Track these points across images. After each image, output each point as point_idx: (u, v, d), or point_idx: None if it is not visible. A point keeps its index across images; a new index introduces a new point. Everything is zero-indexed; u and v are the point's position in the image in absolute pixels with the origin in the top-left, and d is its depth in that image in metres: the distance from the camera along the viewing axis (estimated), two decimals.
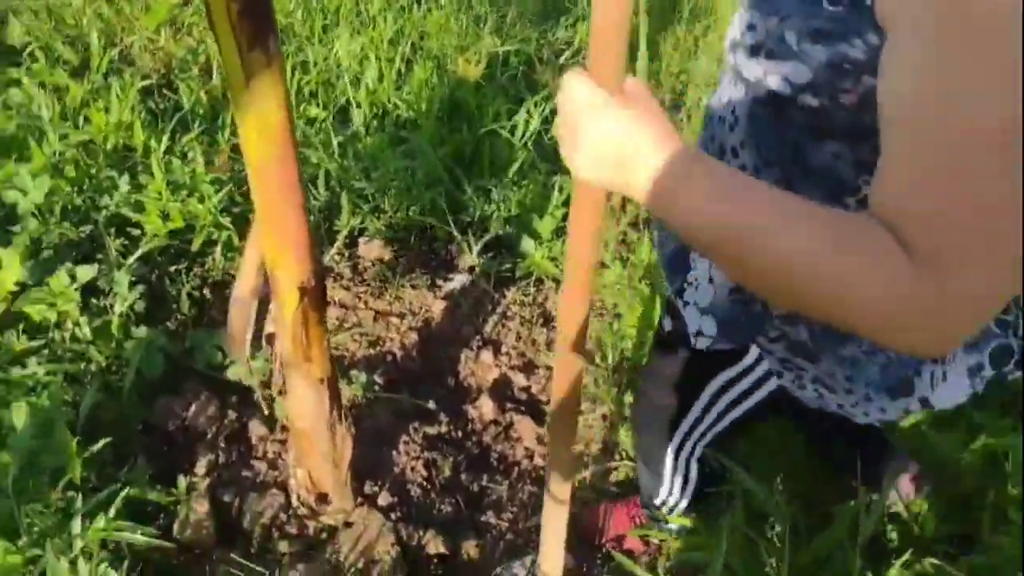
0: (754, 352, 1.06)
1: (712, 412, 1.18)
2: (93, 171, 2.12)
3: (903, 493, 1.49)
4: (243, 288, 1.32)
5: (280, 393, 1.41)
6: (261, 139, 1.05)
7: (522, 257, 2.34)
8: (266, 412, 1.79)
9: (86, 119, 2.31)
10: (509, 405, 1.96)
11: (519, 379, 2.04)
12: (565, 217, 2.41)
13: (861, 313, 0.62)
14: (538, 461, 1.85)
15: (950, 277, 0.58)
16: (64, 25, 2.81)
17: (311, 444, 1.46)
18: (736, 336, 1.02)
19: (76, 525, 1.39)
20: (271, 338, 1.36)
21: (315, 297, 1.24)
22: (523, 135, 2.69)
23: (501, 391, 2.01)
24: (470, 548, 1.64)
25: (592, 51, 0.69)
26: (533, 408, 1.97)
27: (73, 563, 1.36)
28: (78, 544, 1.37)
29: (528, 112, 2.84)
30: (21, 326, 1.72)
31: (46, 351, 1.74)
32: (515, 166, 2.56)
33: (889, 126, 0.62)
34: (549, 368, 2.07)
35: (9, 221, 1.94)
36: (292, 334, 1.27)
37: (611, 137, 0.69)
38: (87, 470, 1.51)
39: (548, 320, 2.22)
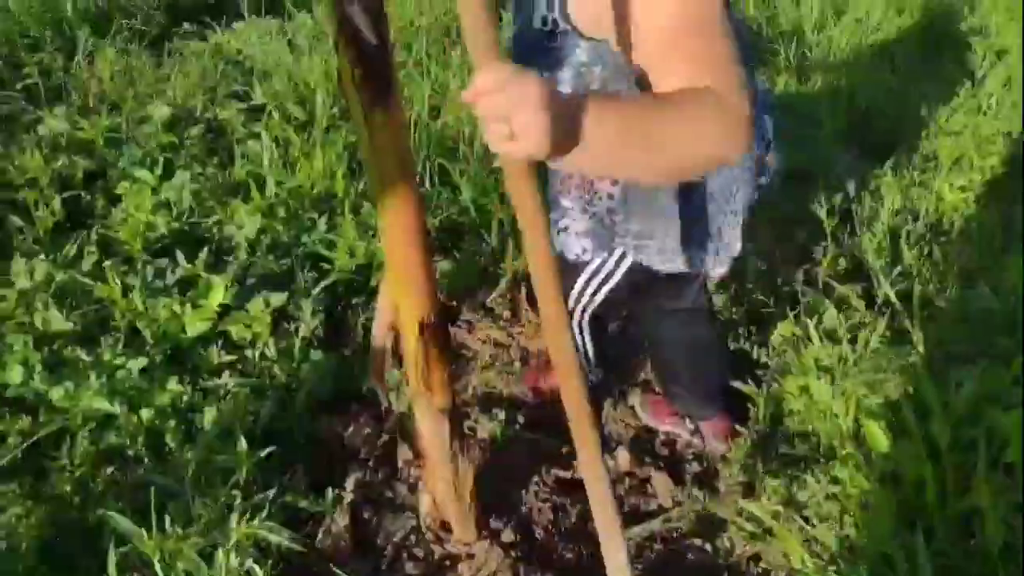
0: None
1: (587, 293, 1.61)
2: (299, 212, 2.43)
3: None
4: (380, 322, 1.44)
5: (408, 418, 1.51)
6: (383, 186, 1.16)
7: None
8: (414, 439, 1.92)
9: (300, 167, 2.66)
10: (647, 459, 1.91)
11: (660, 434, 1.98)
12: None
13: (725, 144, 0.95)
14: (673, 522, 1.78)
15: (744, 96, 0.95)
16: (299, 87, 3.26)
17: (434, 472, 1.55)
18: (605, 246, 1.48)
19: (233, 520, 1.58)
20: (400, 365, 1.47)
21: (434, 333, 1.33)
22: None
23: (642, 444, 1.97)
24: None
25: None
26: (673, 465, 1.91)
27: (227, 555, 1.55)
28: (232, 538, 1.57)
29: None
30: (221, 342, 2.01)
31: (239, 366, 2.01)
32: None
33: (670, 47, 0.99)
34: (694, 427, 2.00)
35: (225, 252, 2.29)
36: (414, 365, 1.36)
37: (547, 113, 0.81)
38: (252, 473, 1.72)
39: None
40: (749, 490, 1.75)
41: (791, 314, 2.15)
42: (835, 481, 1.63)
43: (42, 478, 1.79)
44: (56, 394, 1.80)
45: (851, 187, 2.71)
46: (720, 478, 1.82)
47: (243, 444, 1.70)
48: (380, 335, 1.48)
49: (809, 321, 1.99)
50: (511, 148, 0.84)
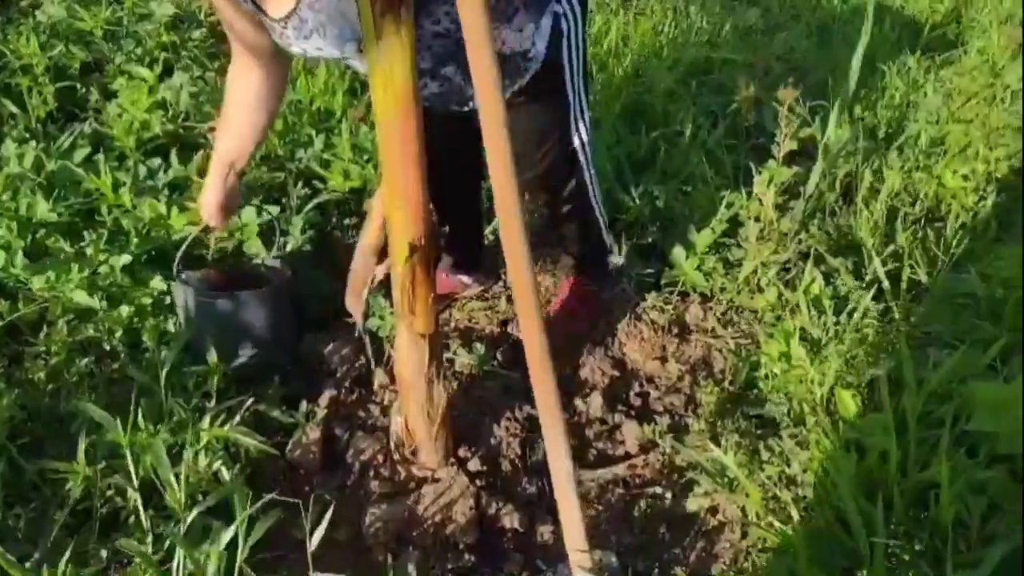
0: None
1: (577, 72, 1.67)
2: (296, 127, 2.39)
3: None
4: (366, 241, 1.43)
5: (390, 342, 1.51)
6: (386, 95, 1.14)
7: (671, 265, 2.29)
8: (390, 363, 1.92)
9: (301, 82, 2.60)
10: (620, 407, 1.93)
11: (636, 384, 2.00)
12: (725, 232, 2.32)
13: None
14: (638, 469, 1.81)
15: None
16: None
17: (409, 394, 1.56)
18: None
19: (205, 422, 1.59)
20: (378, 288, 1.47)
21: (424, 256, 1.32)
22: (702, 144, 2.63)
23: (616, 392, 1.99)
24: (546, 531, 1.65)
25: None
26: (644, 415, 1.92)
27: (196, 454, 1.56)
28: (203, 438, 1.58)
29: (714, 123, 2.77)
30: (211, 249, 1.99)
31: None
32: (685, 174, 2.50)
33: None
34: (671, 379, 2.01)
35: None
36: (400, 286, 1.36)
37: None
38: (225, 381, 1.72)
39: (683, 331, 2.15)
40: (716, 443, 1.77)
41: (780, 281, 2.16)
42: (802, 445, 1.65)
43: (17, 363, 1.80)
44: (37, 282, 1.79)
45: (855, 164, 2.68)
46: (689, 430, 1.84)
47: (213, 355, 1.70)
48: (363, 254, 1.47)
49: (798, 289, 1.99)
50: None
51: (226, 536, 1.27)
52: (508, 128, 1.00)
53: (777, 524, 1.46)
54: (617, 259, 2.17)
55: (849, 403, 1.64)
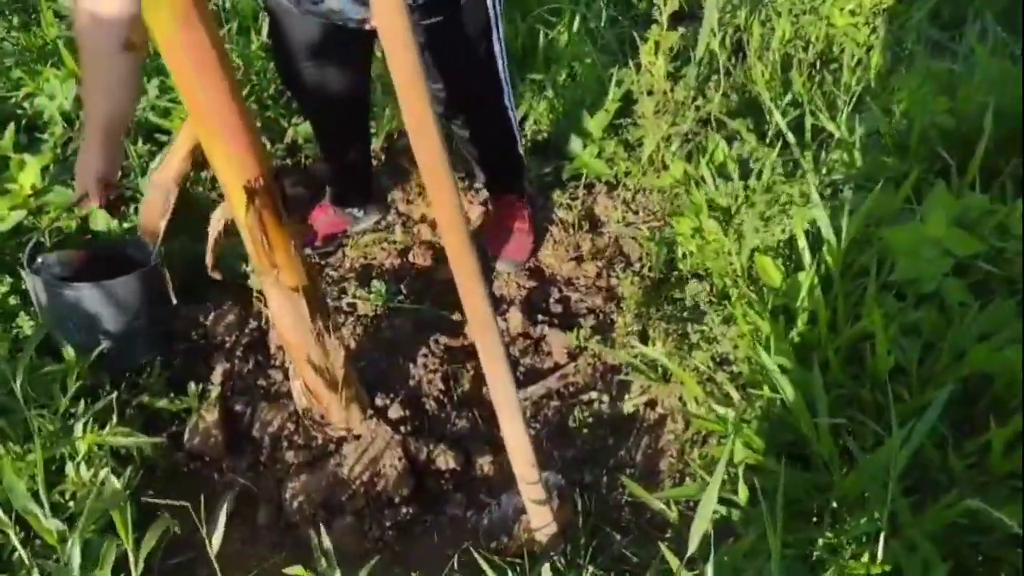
0: None
1: None
2: None
3: None
4: (164, 173, 1.22)
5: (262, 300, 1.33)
6: (163, 10, 0.91)
7: (570, 158, 2.14)
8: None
9: None
10: (541, 318, 1.81)
11: (554, 290, 1.88)
12: (619, 113, 2.17)
13: None
14: (569, 378, 1.71)
15: None
16: None
17: (300, 356, 1.39)
18: None
19: (78, 429, 1.40)
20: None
21: (268, 199, 1.12)
22: (583, 22, 2.44)
23: (535, 302, 1.87)
24: (485, 464, 1.54)
25: None
26: (567, 321, 1.81)
27: (76, 468, 1.37)
28: (82, 448, 1.39)
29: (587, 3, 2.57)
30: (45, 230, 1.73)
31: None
32: (569, 58, 2.32)
33: None
34: (590, 278, 1.90)
35: (40, 129, 1.95)
36: (252, 239, 1.17)
37: None
38: (91, 377, 1.52)
39: (594, 225, 2.03)
40: (644, 338, 1.69)
41: (683, 154, 2.04)
42: (728, 321, 1.57)
43: None
44: None
45: (743, 16, 2.55)
46: (615, 328, 1.74)
47: (70, 352, 1.49)
48: (162, 185, 1.26)
49: (701, 159, 1.88)
50: None
51: (111, 557, 1.11)
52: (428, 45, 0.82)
53: (718, 409, 1.38)
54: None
55: (770, 268, 1.55)
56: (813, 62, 2.45)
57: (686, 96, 2.20)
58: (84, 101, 1.34)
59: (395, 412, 1.60)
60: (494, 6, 1.53)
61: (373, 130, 2.17)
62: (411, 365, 1.70)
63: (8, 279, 1.65)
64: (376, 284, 1.82)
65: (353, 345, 1.73)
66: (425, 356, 1.72)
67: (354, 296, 1.84)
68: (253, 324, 1.77)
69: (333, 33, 1.50)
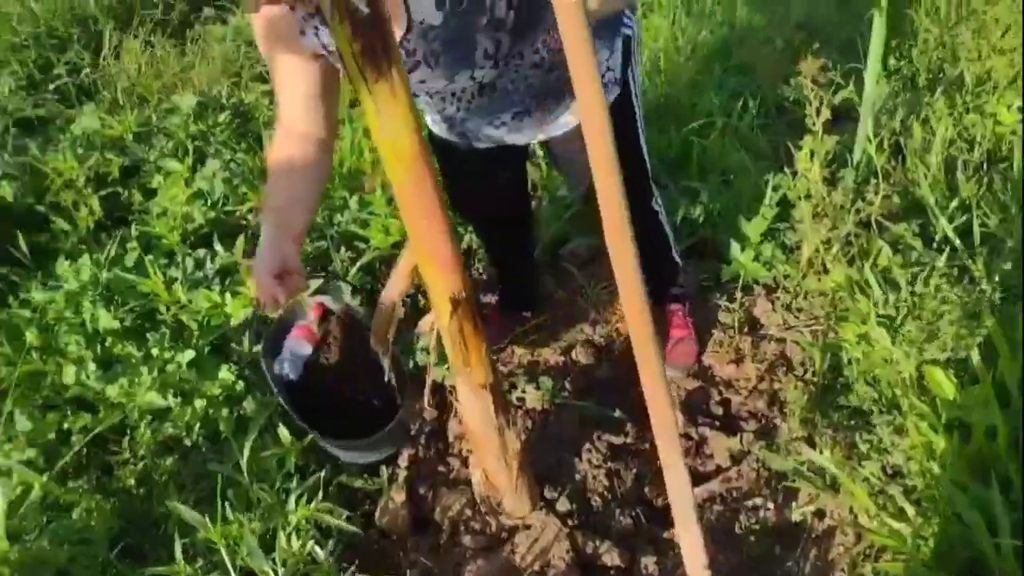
0: None
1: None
2: (331, 192, 2.41)
3: None
4: (389, 293, 1.41)
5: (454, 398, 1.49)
6: (399, 164, 1.12)
7: (727, 262, 2.21)
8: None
9: None
10: (702, 419, 1.87)
11: (715, 392, 1.94)
12: (777, 218, 2.24)
13: None
14: (732, 482, 1.74)
15: None
16: None
17: (482, 447, 1.53)
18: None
19: (291, 503, 1.60)
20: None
21: (467, 309, 1.30)
22: (735, 131, 2.55)
23: (696, 404, 1.93)
24: (649, 564, 1.60)
25: None
26: (729, 424, 1.86)
27: (288, 538, 1.57)
28: (292, 521, 1.59)
29: (743, 106, 2.69)
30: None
31: None
32: (723, 165, 2.43)
33: None
34: (751, 381, 1.94)
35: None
36: (452, 342, 1.34)
37: None
38: (306, 458, 1.73)
39: (754, 327, 2.08)
40: (810, 444, 1.70)
41: (844, 258, 2.07)
42: (900, 431, 1.56)
43: (107, 472, 1.84)
44: (112, 391, 1.84)
45: (899, 118, 2.57)
46: (779, 433, 1.77)
47: (286, 433, 1.71)
48: (389, 298, 1.44)
49: (865, 264, 1.90)
50: None
51: None
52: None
53: (891, 524, 1.38)
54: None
55: (942, 380, 1.54)
56: (980, 163, 2.42)
57: (844, 199, 2.23)
58: (264, 208, 1.42)
59: (563, 505, 1.69)
60: (638, 108, 1.64)
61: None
62: (576, 460, 1.80)
63: (234, 368, 1.92)
64: (544, 380, 1.96)
65: (523, 438, 1.86)
66: (589, 452, 1.81)
67: (523, 392, 1.98)
68: (435, 414, 1.94)
69: (496, 156, 1.63)
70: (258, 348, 1.64)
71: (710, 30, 3.18)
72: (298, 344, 1.57)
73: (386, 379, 1.49)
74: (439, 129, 1.63)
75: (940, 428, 1.43)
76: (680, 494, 1.18)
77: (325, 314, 1.60)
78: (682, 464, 1.15)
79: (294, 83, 1.30)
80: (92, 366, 1.89)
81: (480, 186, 1.77)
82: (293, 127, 1.32)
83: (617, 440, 1.84)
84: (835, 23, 3.46)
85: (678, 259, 1.99)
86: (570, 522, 1.66)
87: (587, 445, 1.82)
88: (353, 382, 1.56)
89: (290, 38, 1.23)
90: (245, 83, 3.19)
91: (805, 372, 1.90)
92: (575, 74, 0.92)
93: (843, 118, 2.76)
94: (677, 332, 2.03)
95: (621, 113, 1.59)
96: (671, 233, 1.92)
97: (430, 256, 1.22)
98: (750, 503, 1.65)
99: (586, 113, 0.94)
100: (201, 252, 2.17)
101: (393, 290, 1.37)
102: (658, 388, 1.10)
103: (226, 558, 1.51)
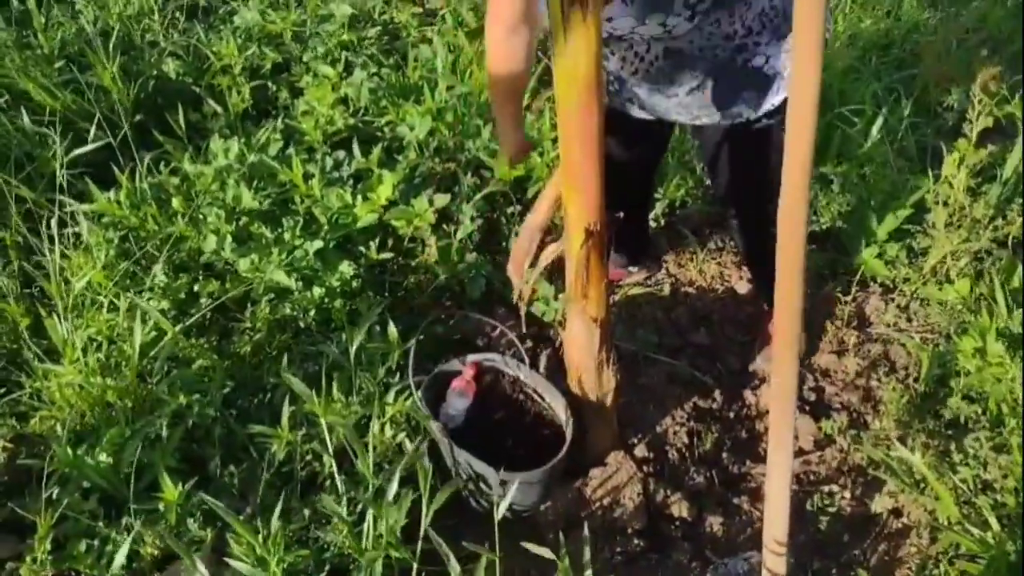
0: None
1: None
2: (466, 119, 2.47)
3: None
4: (534, 219, 1.46)
5: (560, 325, 1.55)
6: (570, 88, 1.17)
7: (848, 253, 2.17)
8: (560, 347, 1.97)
9: (471, 74, 2.69)
10: None
11: (810, 379, 1.93)
12: (909, 219, 2.17)
13: None
14: (812, 465, 1.75)
15: None
16: None
17: (580, 377, 1.59)
18: None
19: (390, 396, 1.71)
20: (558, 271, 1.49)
21: (598, 242, 1.34)
22: (883, 124, 2.46)
23: None
24: (715, 523, 1.64)
25: None
26: (818, 411, 1.85)
27: (382, 426, 1.68)
28: (388, 412, 1.70)
29: (896, 101, 2.58)
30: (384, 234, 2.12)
31: (400, 259, 2.13)
32: (864, 157, 2.36)
33: None
34: (848, 375, 1.92)
35: (396, 151, 2.38)
36: (575, 270, 1.39)
37: None
38: (405, 359, 1.83)
39: (863, 323, 2.05)
40: (901, 444, 1.68)
41: (972, 271, 2.00)
42: (999, 449, 1.53)
43: (226, 337, 2.00)
44: (243, 264, 1.98)
45: None
46: (869, 429, 1.76)
47: (394, 331, 1.81)
48: (530, 229, 1.50)
49: (995, 279, 1.83)
50: None
51: (407, 501, 1.36)
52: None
53: (975, 531, 1.36)
54: None
55: None
56: None
57: (984, 215, 2.15)
58: (496, 95, 1.57)
59: (640, 451, 1.74)
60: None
61: (658, 196, 2.36)
62: (660, 414, 1.84)
63: (354, 266, 2.03)
64: (640, 332, 2.00)
65: (619, 378, 1.91)
66: (674, 409, 1.85)
67: (617, 340, 2.02)
68: (528, 344, 2.01)
69: (646, 128, 1.68)
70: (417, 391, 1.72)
71: (874, 20, 3.04)
72: (458, 397, 1.74)
73: (515, 300, 1.56)
74: (640, 113, 1.64)
75: None
76: (781, 454, 1.20)
77: (480, 373, 1.78)
78: (790, 427, 1.17)
79: None
80: (229, 239, 2.04)
81: (621, 149, 1.77)
82: (515, 21, 1.38)
83: (703, 403, 1.87)
84: (1008, 32, 3.25)
85: None
86: (645, 468, 1.71)
87: (672, 403, 1.86)
88: (512, 430, 1.73)
89: None
90: (395, 2, 3.27)
91: (907, 376, 1.87)
92: (798, 49, 0.88)
93: (999, 132, 2.62)
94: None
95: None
96: None
97: (576, 182, 1.27)
98: (827, 488, 1.66)
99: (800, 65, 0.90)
100: (341, 154, 2.28)
101: (538, 217, 1.43)
102: (788, 353, 1.12)
103: (325, 431, 1.63)
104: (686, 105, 1.53)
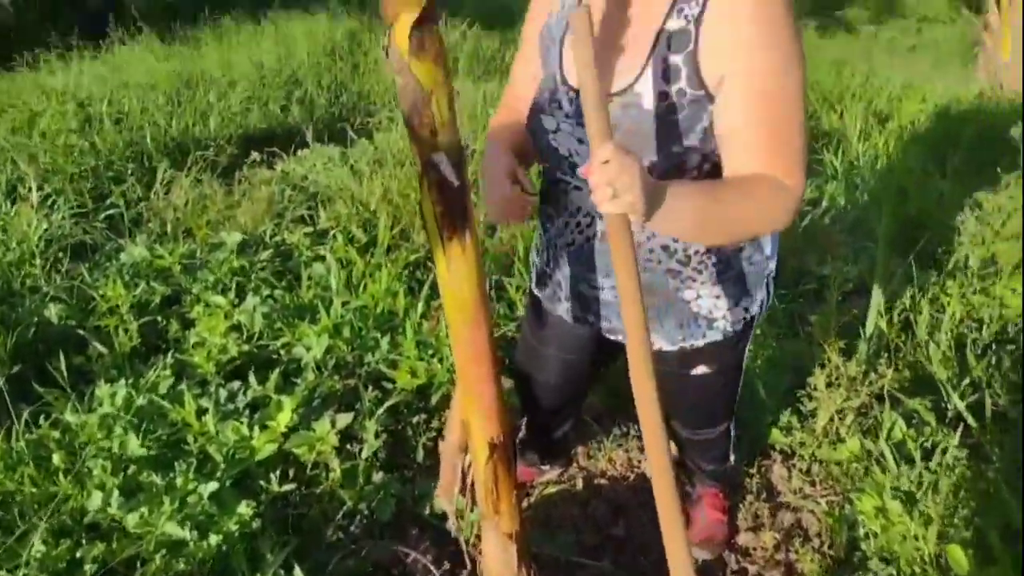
0: None
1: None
2: (363, 333, 2.51)
3: None
4: (449, 442, 1.47)
5: (476, 543, 1.50)
6: (458, 312, 1.22)
7: (744, 426, 2.26)
8: (471, 567, 1.89)
9: (364, 288, 2.76)
10: None
11: (732, 560, 1.92)
12: (793, 384, 2.29)
13: (773, 222, 1.22)
14: None
15: (798, 180, 1.19)
16: (361, 210, 3.43)
17: None
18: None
19: None
20: (469, 490, 1.47)
21: (504, 455, 1.35)
22: None
23: (711, 571, 1.91)
24: None
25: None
26: None
27: None
28: None
29: None
30: (287, 464, 2.05)
31: (303, 488, 2.04)
32: None
33: (734, 134, 1.19)
34: (767, 550, 1.93)
35: (295, 373, 2.36)
36: (484, 486, 1.38)
37: (642, 180, 1.07)
38: None
39: (772, 494, 2.09)
40: None
41: (859, 428, 2.11)
42: None
43: None
44: (131, 520, 1.85)
45: (909, 297, 2.69)
46: None
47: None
48: (450, 452, 1.50)
49: (880, 436, 1.94)
50: (614, 205, 1.07)
51: None
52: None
53: None
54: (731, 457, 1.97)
55: (962, 560, 1.55)
56: (989, 343, 2.50)
57: (858, 371, 2.31)
58: (490, 144, 1.45)
59: None
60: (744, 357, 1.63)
61: None
62: None
63: (253, 504, 1.93)
64: (559, 535, 1.96)
65: None
66: None
67: (537, 546, 1.97)
68: (446, 567, 1.92)
69: (593, 340, 1.64)
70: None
71: None
72: None
73: (450, 526, 1.55)
74: (563, 309, 1.58)
75: None
76: None
77: None
78: None
79: (529, 61, 1.46)
80: (116, 493, 1.91)
81: (563, 355, 1.73)
82: (518, 97, 1.49)
83: None
84: (847, 201, 3.69)
85: (731, 456, 1.94)
86: None
87: None
88: None
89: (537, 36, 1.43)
90: (287, 224, 3.39)
91: (822, 544, 1.90)
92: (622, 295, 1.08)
93: (860, 291, 2.89)
94: (711, 514, 1.96)
95: (730, 365, 1.60)
96: (733, 440, 1.90)
97: (474, 398, 1.29)
98: None
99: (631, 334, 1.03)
100: (236, 384, 2.24)
101: (452, 438, 1.43)
102: (680, 552, 1.13)
103: None
104: (607, 304, 1.47)
